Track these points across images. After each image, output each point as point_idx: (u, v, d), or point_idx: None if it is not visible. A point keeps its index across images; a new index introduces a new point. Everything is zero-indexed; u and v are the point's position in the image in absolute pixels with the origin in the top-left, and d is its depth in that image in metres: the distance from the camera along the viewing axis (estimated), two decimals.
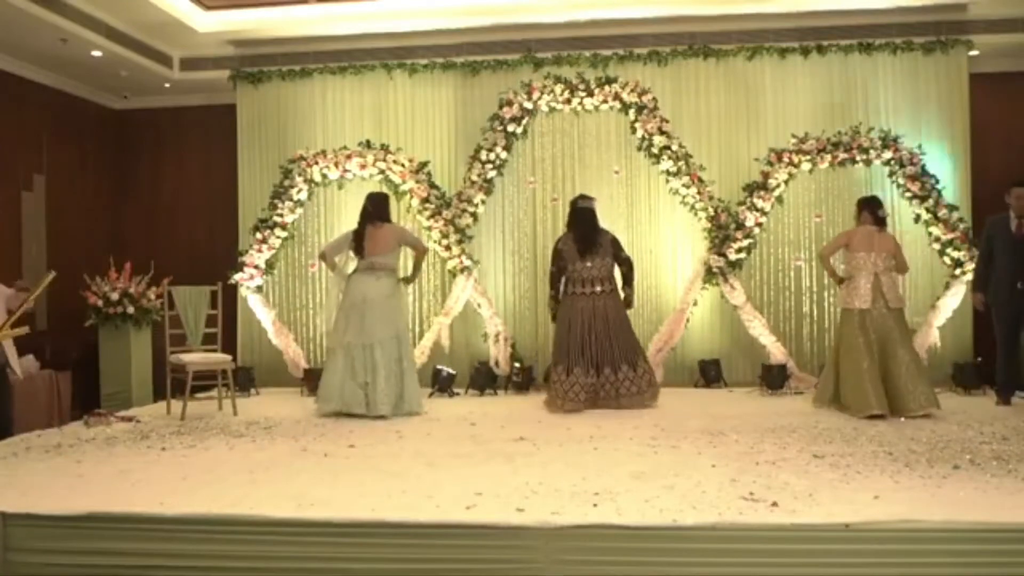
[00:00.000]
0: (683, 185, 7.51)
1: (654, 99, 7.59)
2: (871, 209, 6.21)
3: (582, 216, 6.52)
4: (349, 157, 7.80)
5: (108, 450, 4.97)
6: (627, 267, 6.52)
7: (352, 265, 6.40)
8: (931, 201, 7.24)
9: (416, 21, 7.62)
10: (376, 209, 6.33)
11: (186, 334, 6.46)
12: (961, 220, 7.23)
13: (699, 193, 7.48)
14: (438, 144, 7.95)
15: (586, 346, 6.27)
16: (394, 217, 7.75)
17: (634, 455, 4.63)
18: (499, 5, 7.38)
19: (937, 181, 7.27)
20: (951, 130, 7.47)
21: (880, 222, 6.19)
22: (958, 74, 7.47)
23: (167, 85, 8.46)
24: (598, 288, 6.35)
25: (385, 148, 7.82)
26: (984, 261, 6.46)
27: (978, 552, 3.19)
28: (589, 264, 6.35)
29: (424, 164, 7.79)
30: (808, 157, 7.40)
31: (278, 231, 7.86)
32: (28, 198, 7.74)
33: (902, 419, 5.63)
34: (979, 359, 7.09)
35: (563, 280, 6.46)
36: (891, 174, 7.38)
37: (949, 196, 7.28)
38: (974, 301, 6.63)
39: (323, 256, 6.55)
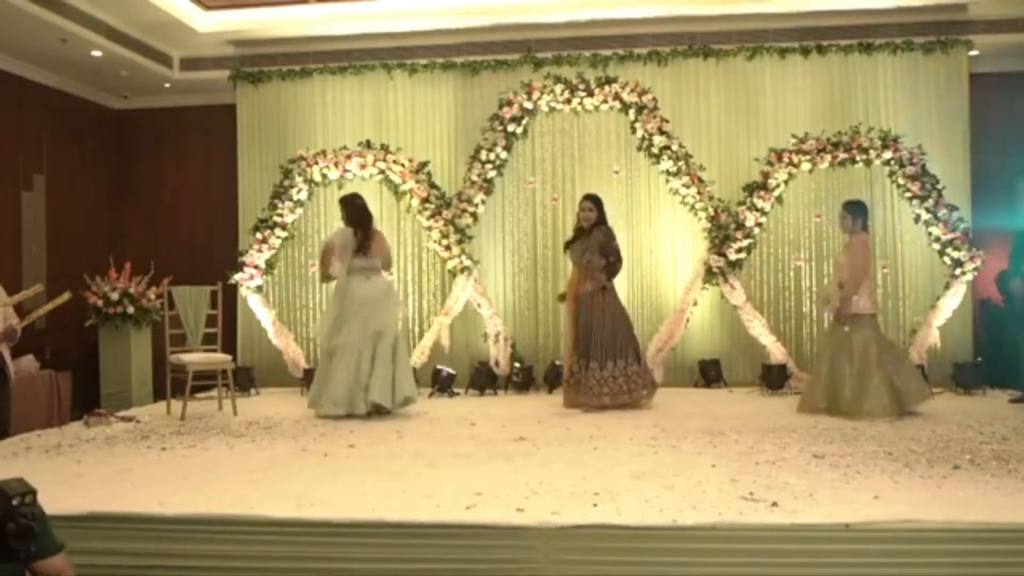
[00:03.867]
0: (683, 185, 7.50)
1: (654, 99, 7.58)
2: (864, 214, 6.11)
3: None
4: (349, 157, 7.80)
5: (108, 450, 4.97)
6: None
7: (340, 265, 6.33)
8: (931, 201, 7.22)
9: (416, 21, 7.62)
10: (367, 214, 6.36)
11: (186, 334, 6.46)
12: (961, 220, 7.22)
13: (699, 193, 7.48)
14: (438, 144, 7.95)
15: (606, 339, 6.27)
16: (393, 217, 7.84)
17: (634, 455, 4.63)
18: (499, 5, 7.38)
19: (937, 181, 7.26)
20: (951, 130, 7.46)
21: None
22: (958, 74, 7.47)
23: (167, 85, 8.46)
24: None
25: (385, 148, 7.81)
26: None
27: (978, 552, 3.19)
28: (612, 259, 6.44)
29: (424, 164, 7.79)
30: (808, 157, 7.39)
31: (278, 231, 7.86)
32: (28, 198, 7.74)
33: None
34: (979, 359, 7.08)
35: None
36: (891, 174, 7.37)
37: (949, 196, 7.27)
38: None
39: (323, 265, 6.44)
